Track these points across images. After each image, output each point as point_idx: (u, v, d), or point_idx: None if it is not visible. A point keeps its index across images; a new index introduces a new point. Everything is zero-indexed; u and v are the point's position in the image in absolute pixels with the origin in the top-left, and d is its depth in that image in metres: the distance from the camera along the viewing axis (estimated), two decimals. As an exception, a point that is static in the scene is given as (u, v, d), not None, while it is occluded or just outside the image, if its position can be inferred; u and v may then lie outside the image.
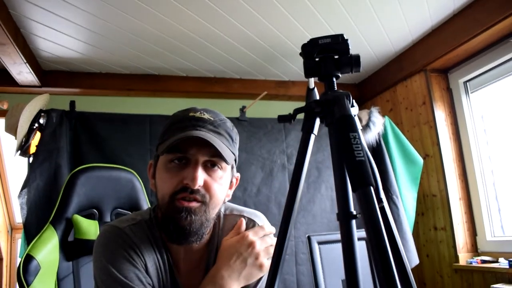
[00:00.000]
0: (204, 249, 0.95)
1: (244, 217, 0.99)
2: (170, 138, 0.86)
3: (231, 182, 0.97)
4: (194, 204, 0.85)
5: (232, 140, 0.92)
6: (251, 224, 0.98)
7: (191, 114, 0.90)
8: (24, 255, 1.39)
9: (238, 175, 1.00)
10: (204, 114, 0.90)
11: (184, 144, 0.85)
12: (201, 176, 0.85)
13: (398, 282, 0.55)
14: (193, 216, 0.84)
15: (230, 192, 0.98)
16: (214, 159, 0.87)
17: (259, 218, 1.01)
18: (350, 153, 0.62)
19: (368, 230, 0.58)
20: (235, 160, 0.96)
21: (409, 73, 2.78)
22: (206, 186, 0.86)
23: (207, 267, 0.94)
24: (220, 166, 0.89)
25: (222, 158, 0.86)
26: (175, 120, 0.91)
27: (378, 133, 2.59)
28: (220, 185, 0.89)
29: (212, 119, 0.90)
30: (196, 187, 0.84)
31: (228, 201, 1.01)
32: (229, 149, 0.89)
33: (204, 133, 0.85)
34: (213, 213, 0.90)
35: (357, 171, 0.61)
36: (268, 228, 0.96)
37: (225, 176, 0.91)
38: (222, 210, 1.00)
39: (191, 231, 0.85)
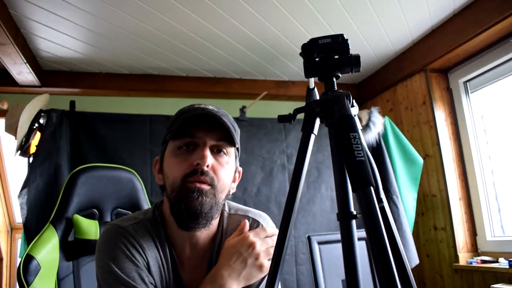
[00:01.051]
0: (208, 246, 0.96)
1: (248, 217, 1.00)
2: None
3: (235, 175, 0.99)
4: (205, 186, 0.87)
5: (235, 130, 0.95)
6: (255, 224, 0.99)
7: (196, 106, 0.94)
8: (24, 255, 1.39)
9: (240, 169, 1.02)
10: (208, 106, 0.94)
11: (192, 129, 0.89)
12: (210, 156, 0.88)
13: (398, 282, 0.55)
14: (204, 197, 0.86)
15: (234, 186, 0.99)
16: (220, 143, 0.91)
17: (264, 219, 1.02)
18: (350, 153, 0.62)
19: (368, 230, 0.58)
20: (238, 150, 0.99)
21: (409, 73, 2.78)
22: (213, 169, 0.89)
23: (209, 265, 0.95)
24: (225, 152, 0.92)
25: (229, 138, 0.90)
26: (181, 112, 0.95)
27: (378, 133, 2.59)
28: (226, 170, 0.92)
29: (216, 109, 0.94)
30: (205, 166, 0.87)
31: (231, 199, 1.01)
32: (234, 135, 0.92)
33: (212, 114, 0.89)
34: (221, 198, 0.92)
35: (357, 171, 0.61)
36: (270, 230, 0.97)
37: (230, 162, 0.94)
38: (227, 209, 1.01)
39: (201, 212, 0.86)
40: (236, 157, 0.98)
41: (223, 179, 0.91)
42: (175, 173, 0.89)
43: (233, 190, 0.99)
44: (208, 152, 0.88)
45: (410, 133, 2.82)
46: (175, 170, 0.89)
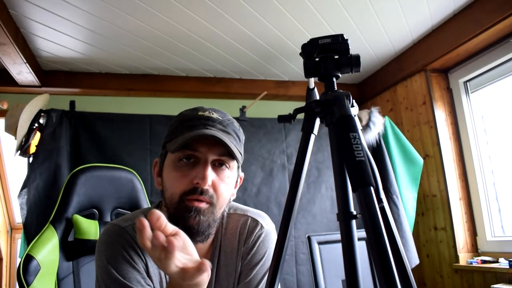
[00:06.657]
0: (207, 247, 0.96)
1: (247, 217, 0.99)
2: (180, 136, 0.87)
3: (236, 181, 0.97)
4: (203, 205, 0.85)
5: (240, 140, 0.93)
6: (254, 224, 0.98)
7: (200, 113, 0.90)
8: (24, 255, 1.39)
9: (242, 174, 1.00)
10: (212, 114, 0.91)
11: (194, 143, 0.86)
12: (210, 175, 0.86)
13: (398, 282, 0.55)
14: (201, 217, 0.85)
15: (235, 191, 0.98)
16: (222, 158, 0.88)
17: (263, 218, 1.01)
18: (350, 153, 0.62)
19: (368, 230, 0.58)
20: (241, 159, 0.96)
21: (409, 73, 2.78)
22: (214, 186, 0.87)
23: None
24: (228, 166, 0.90)
25: (233, 157, 0.87)
26: (184, 118, 0.91)
27: (378, 133, 2.59)
28: (227, 185, 0.90)
29: (220, 118, 0.91)
30: (206, 186, 0.85)
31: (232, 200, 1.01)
32: (237, 149, 0.90)
33: (215, 132, 0.86)
34: (219, 213, 0.91)
35: (357, 171, 0.61)
36: None
37: (232, 175, 0.92)
38: (226, 209, 1.00)
39: (198, 231, 0.85)
40: (238, 167, 0.96)
41: (223, 195, 0.89)
42: (174, 188, 0.87)
43: (233, 197, 0.97)
44: (209, 171, 0.85)
45: (410, 133, 2.82)
46: (174, 185, 0.87)
